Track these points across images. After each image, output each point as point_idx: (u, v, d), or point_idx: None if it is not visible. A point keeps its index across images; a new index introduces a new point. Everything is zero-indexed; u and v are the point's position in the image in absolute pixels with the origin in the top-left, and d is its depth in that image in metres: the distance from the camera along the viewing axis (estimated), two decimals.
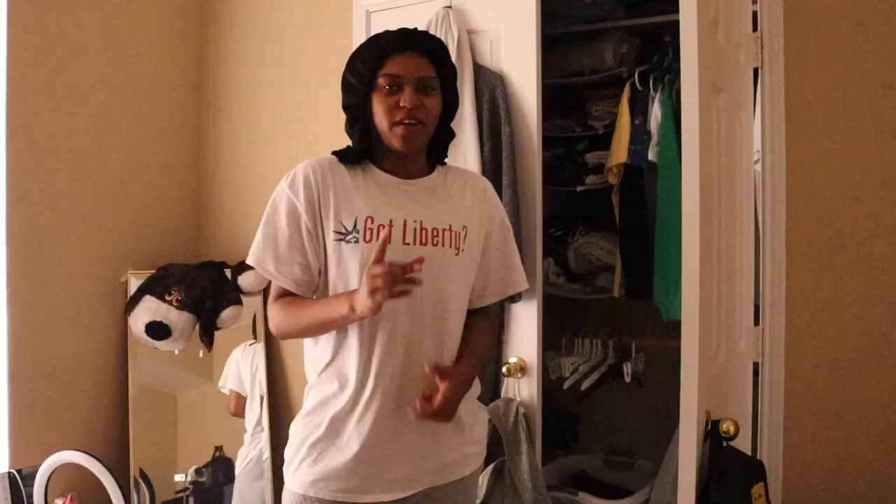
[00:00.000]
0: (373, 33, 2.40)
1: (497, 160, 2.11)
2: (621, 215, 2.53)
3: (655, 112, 2.33)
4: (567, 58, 2.64)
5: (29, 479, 2.21)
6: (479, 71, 2.15)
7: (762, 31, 2.21)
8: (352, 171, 1.49)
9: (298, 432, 1.50)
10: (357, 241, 1.42)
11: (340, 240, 1.44)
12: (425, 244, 1.45)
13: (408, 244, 1.44)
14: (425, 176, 1.54)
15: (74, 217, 2.47)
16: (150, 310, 2.48)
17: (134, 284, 2.56)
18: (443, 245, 1.47)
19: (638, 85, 2.42)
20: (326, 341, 1.49)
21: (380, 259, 1.31)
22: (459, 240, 1.49)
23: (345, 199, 1.45)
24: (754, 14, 2.22)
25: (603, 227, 2.68)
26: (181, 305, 2.48)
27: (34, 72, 2.34)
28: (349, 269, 1.43)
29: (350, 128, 1.52)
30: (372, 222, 1.43)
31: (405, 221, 1.45)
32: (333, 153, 1.52)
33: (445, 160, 1.61)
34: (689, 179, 1.68)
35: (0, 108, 2.26)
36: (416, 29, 1.51)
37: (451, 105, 1.54)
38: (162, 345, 2.50)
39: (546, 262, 2.67)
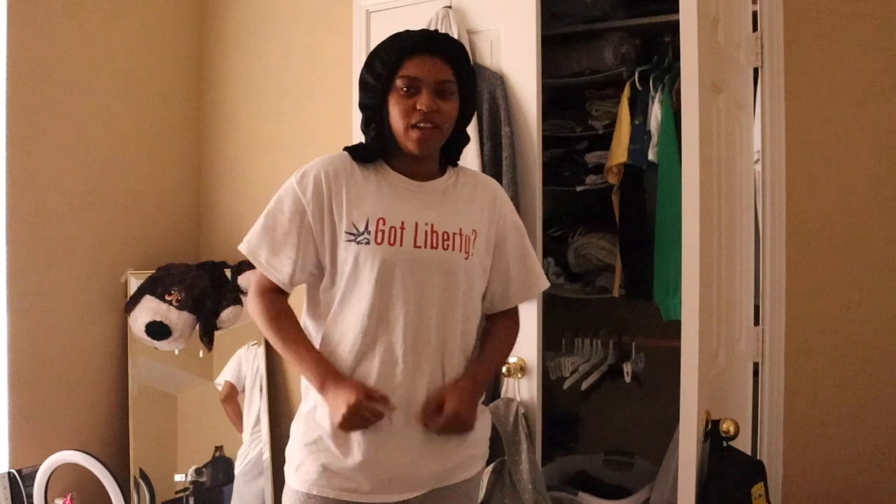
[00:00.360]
0: (372, 33, 2.44)
1: (497, 160, 2.11)
2: (621, 215, 2.52)
3: (655, 112, 2.33)
4: (567, 58, 2.64)
5: (29, 479, 2.21)
6: (479, 71, 2.15)
7: (762, 31, 2.21)
8: (365, 170, 1.49)
9: (300, 431, 1.49)
10: (368, 243, 1.42)
11: (352, 240, 1.43)
12: (436, 248, 1.45)
13: (419, 247, 1.44)
14: (437, 178, 1.54)
15: (75, 217, 2.47)
16: (150, 310, 2.48)
17: (134, 284, 2.56)
18: (453, 249, 1.47)
19: (638, 85, 2.41)
20: (325, 344, 1.49)
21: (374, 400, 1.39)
22: (469, 244, 1.49)
23: (357, 200, 1.45)
24: (754, 14, 2.22)
25: (603, 227, 2.67)
26: (181, 305, 2.49)
27: (34, 72, 2.34)
28: (360, 269, 1.43)
29: (365, 127, 1.51)
30: (384, 224, 1.43)
31: (417, 224, 1.45)
32: (346, 149, 1.51)
33: (458, 162, 1.61)
34: (689, 179, 1.68)
35: (0, 108, 2.26)
36: (436, 31, 1.52)
37: (467, 109, 1.53)
38: (162, 345, 2.50)
39: (546, 262, 2.67)
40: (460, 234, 1.48)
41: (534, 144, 2.11)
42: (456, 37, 2.14)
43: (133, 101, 2.67)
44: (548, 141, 2.50)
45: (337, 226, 1.45)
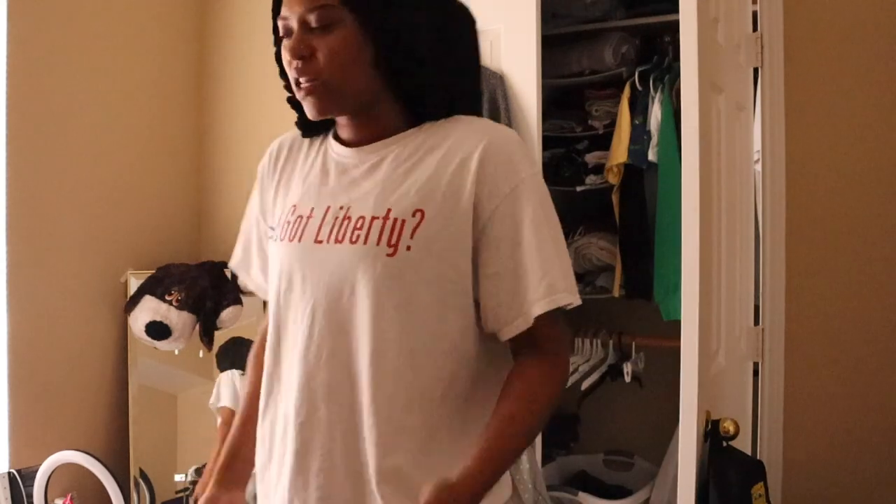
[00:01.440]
0: None
1: None
2: (621, 215, 2.53)
3: (655, 112, 2.33)
4: (567, 58, 2.64)
5: (29, 479, 2.21)
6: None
7: (762, 31, 2.21)
8: (310, 145, 1.15)
9: None
10: (276, 240, 1.11)
11: (273, 238, 1.13)
12: (341, 241, 1.00)
13: (320, 242, 1.02)
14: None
15: (74, 217, 2.46)
16: (150, 310, 2.48)
17: (134, 284, 2.56)
18: (366, 242, 0.98)
19: (638, 85, 2.41)
20: None
21: None
22: (401, 232, 0.97)
23: (286, 184, 1.14)
24: (754, 14, 2.22)
25: (603, 227, 2.67)
26: (181, 305, 2.48)
27: (34, 72, 2.34)
28: (270, 279, 1.12)
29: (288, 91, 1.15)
30: (293, 212, 1.08)
31: (328, 209, 1.03)
32: None
33: (447, 111, 1.06)
34: (689, 179, 1.68)
35: (0, 108, 2.26)
36: None
37: (390, 33, 0.99)
38: (162, 345, 2.50)
39: None
40: (385, 219, 0.97)
41: (534, 144, 2.11)
42: None
43: (133, 100, 2.67)
44: (548, 141, 2.50)
45: (269, 221, 1.17)
